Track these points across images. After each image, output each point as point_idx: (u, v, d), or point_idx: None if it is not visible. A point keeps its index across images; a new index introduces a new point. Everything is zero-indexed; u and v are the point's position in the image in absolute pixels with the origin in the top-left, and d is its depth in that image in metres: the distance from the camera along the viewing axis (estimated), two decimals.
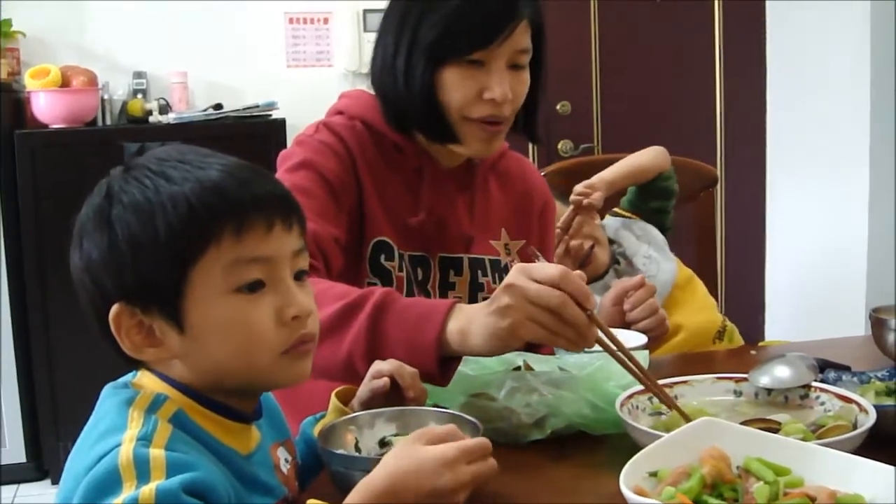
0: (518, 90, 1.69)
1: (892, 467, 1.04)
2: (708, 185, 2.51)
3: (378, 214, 1.71)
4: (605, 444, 1.35)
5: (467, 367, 1.45)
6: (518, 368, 1.45)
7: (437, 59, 1.64)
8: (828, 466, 1.07)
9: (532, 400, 1.35)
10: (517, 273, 1.32)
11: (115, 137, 3.94)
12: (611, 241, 2.32)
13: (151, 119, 4.03)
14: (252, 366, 1.09)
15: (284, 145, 1.73)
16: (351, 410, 1.32)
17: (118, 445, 0.98)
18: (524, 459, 1.32)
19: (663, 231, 2.41)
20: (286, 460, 1.21)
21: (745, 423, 1.27)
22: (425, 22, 1.65)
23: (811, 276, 4.14)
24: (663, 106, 4.55)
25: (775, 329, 4.44)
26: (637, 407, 1.36)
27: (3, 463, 3.81)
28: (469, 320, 1.37)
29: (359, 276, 1.69)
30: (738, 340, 2.28)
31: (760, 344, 2.11)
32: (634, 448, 1.13)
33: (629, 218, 2.41)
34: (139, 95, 4.11)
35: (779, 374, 1.42)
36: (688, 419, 1.28)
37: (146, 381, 1.10)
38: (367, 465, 1.08)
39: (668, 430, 1.23)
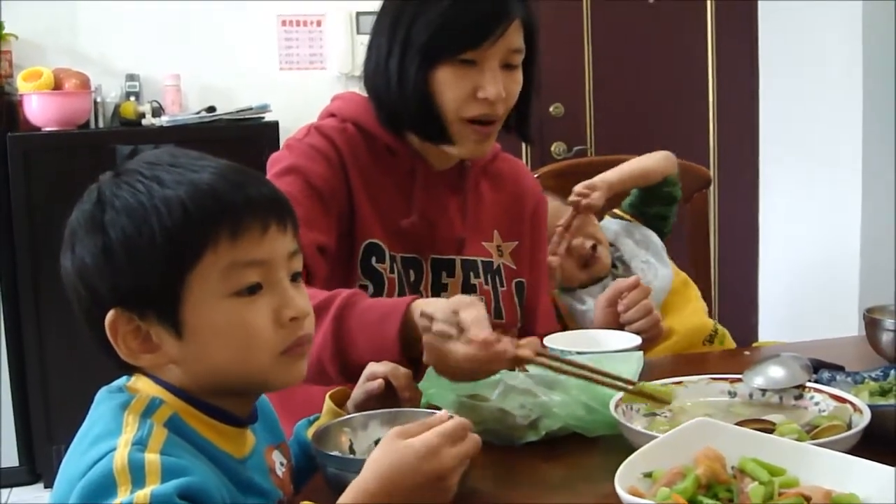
0: (511, 90, 1.69)
1: (887, 467, 1.05)
2: (701, 187, 2.51)
3: (369, 217, 1.71)
4: (600, 446, 1.35)
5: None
6: (512, 369, 1.45)
7: (430, 59, 1.65)
8: (823, 466, 1.08)
9: (526, 401, 1.35)
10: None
11: (108, 140, 3.92)
12: (609, 245, 2.32)
13: (144, 122, 4.01)
14: (250, 368, 1.08)
15: (277, 148, 1.72)
16: (345, 412, 1.32)
17: (113, 450, 0.98)
18: (518, 461, 1.32)
19: (662, 236, 2.41)
20: (281, 463, 1.21)
21: (739, 423, 1.27)
22: (418, 22, 1.65)
23: (805, 276, 4.14)
24: (656, 107, 4.55)
25: (769, 330, 4.45)
26: (631, 408, 1.36)
27: None
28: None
29: (350, 279, 1.69)
30: (730, 344, 2.28)
31: (754, 345, 2.11)
32: (629, 449, 1.13)
33: (629, 221, 2.41)
34: (132, 98, 4.09)
35: (773, 374, 1.42)
36: (658, 399, 1.30)
37: (141, 384, 1.09)
38: (361, 466, 1.08)
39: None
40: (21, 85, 3.86)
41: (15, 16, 3.98)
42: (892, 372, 1.51)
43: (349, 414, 1.32)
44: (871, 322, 1.76)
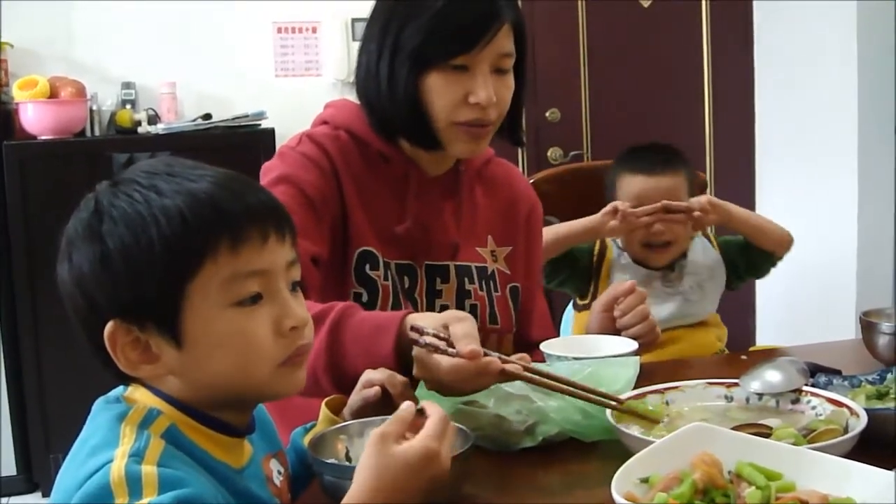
0: (503, 94, 1.69)
1: (884, 471, 1.05)
2: (699, 191, 2.50)
3: (362, 224, 1.71)
4: (597, 451, 1.35)
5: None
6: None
7: (420, 65, 1.65)
8: (819, 471, 1.08)
9: (523, 407, 1.35)
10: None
11: (104, 148, 3.93)
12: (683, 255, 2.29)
13: (140, 130, 4.02)
14: (250, 378, 1.08)
15: (273, 154, 1.73)
16: (342, 420, 1.32)
17: (110, 461, 0.98)
18: (515, 467, 1.32)
19: (729, 287, 2.39)
20: (279, 472, 1.21)
21: (736, 428, 1.27)
22: (408, 28, 1.65)
23: (802, 280, 4.14)
24: (652, 110, 4.55)
25: (766, 333, 4.45)
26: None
27: None
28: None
29: (344, 287, 1.69)
30: None
31: (751, 349, 2.11)
32: (626, 454, 1.13)
33: (713, 250, 2.38)
34: (128, 106, 4.10)
35: (770, 378, 1.42)
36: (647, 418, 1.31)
37: (138, 395, 1.09)
38: None
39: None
40: (17, 93, 3.86)
41: (10, 24, 3.98)
42: (889, 375, 1.51)
43: (346, 421, 1.31)
44: (868, 325, 1.76)
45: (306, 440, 1.30)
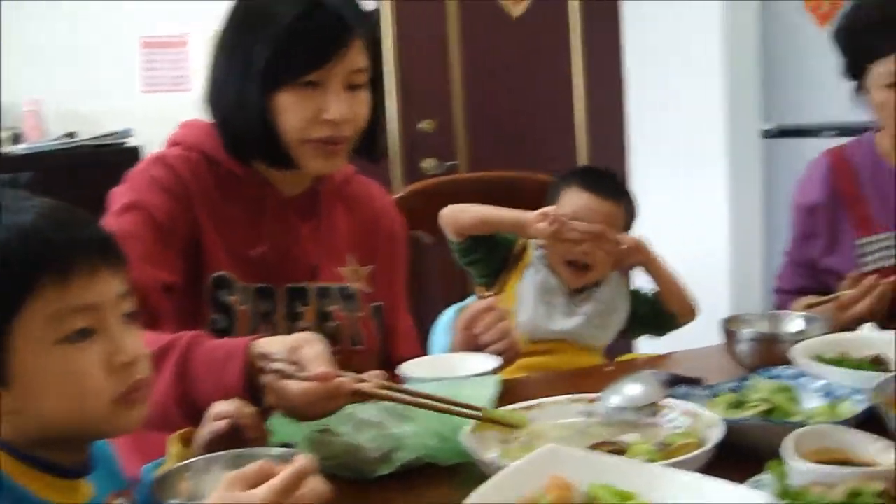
0: (357, 110, 1.66)
1: (736, 485, 1.04)
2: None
3: (217, 248, 1.66)
4: (457, 475, 1.31)
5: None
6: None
7: (271, 83, 1.61)
8: (673, 487, 1.06)
9: (378, 434, 1.31)
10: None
11: None
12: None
13: (3, 149, 3.88)
14: (83, 417, 1.03)
15: None
16: (192, 453, 1.27)
17: None
18: (373, 495, 1.29)
19: (623, 335, 2.36)
20: None
21: (593, 446, 1.26)
22: (257, 45, 1.61)
23: None
24: (527, 120, 4.57)
25: (642, 341, 4.49)
26: (486, 435, 1.33)
27: None
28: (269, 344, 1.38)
29: (201, 314, 1.64)
30: None
31: (619, 359, 2.11)
32: (483, 477, 1.10)
33: (625, 292, 2.33)
34: None
35: (629, 392, 1.41)
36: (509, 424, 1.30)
37: None
38: None
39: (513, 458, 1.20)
40: None
41: None
42: (747, 382, 1.52)
43: (197, 454, 1.26)
44: (729, 333, 1.77)
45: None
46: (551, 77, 4.63)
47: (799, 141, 4.01)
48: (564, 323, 2.15)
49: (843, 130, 3.54)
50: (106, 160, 3.85)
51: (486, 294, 2.25)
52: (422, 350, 1.94)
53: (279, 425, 1.34)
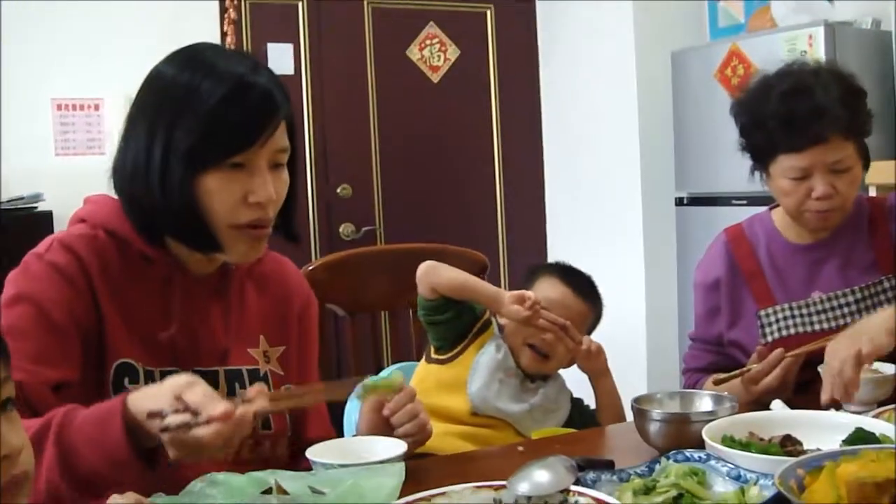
0: (280, 190, 1.62)
1: None
2: (477, 272, 2.50)
3: (120, 334, 1.60)
4: None
5: (216, 489, 1.37)
6: (269, 490, 1.37)
7: (196, 165, 1.55)
8: None
9: None
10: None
11: None
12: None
13: None
14: None
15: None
16: None
17: None
18: None
19: None
20: None
21: None
22: (181, 125, 1.54)
23: None
24: (445, 184, 4.60)
25: None
26: None
27: None
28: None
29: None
30: None
31: (534, 435, 2.10)
32: None
33: (567, 395, 2.34)
34: None
35: (538, 479, 1.39)
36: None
37: None
38: None
39: None
40: None
41: None
42: (657, 466, 1.51)
43: None
44: (639, 412, 1.76)
45: None
46: (469, 145, 4.68)
47: (710, 209, 4.08)
48: (511, 406, 2.15)
49: (752, 200, 3.63)
50: (16, 225, 3.75)
51: (439, 358, 2.24)
52: (333, 428, 1.90)
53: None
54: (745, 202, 3.79)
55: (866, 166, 2.21)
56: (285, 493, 1.35)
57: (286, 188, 1.65)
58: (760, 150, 2.21)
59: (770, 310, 2.23)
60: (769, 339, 2.19)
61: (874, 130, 2.20)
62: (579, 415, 2.27)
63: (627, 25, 4.34)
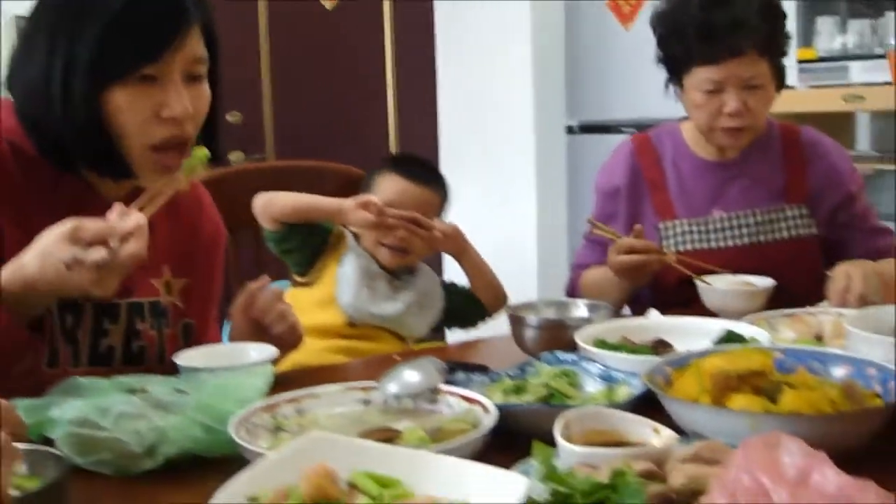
0: (198, 105, 1.52)
1: (499, 470, 1.02)
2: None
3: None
4: (227, 468, 1.25)
5: (80, 392, 1.33)
6: (133, 391, 1.34)
7: (101, 79, 1.44)
8: (439, 473, 1.04)
9: (141, 426, 1.24)
10: None
11: None
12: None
13: None
14: None
15: None
16: None
17: None
18: (139, 491, 1.22)
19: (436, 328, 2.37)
20: None
21: (363, 434, 1.23)
22: (82, 36, 1.43)
23: None
24: (337, 110, 4.54)
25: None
26: (257, 425, 1.28)
27: None
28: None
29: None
30: None
31: (415, 346, 2.10)
32: None
33: (438, 285, 2.35)
34: None
35: (407, 378, 1.39)
36: None
37: None
38: None
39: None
40: None
41: None
42: (530, 368, 1.51)
43: None
44: (515, 319, 1.77)
45: None
46: (362, 72, 4.61)
47: (600, 137, 4.11)
48: (386, 307, 2.15)
49: (641, 127, 3.66)
50: None
51: (302, 281, 2.22)
52: None
53: (34, 419, 1.25)
54: (634, 129, 3.82)
55: (779, 88, 2.22)
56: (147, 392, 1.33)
57: (206, 103, 1.55)
58: (676, 61, 2.21)
59: (670, 223, 2.25)
60: (666, 252, 2.19)
61: None
62: (455, 296, 2.28)
63: None
